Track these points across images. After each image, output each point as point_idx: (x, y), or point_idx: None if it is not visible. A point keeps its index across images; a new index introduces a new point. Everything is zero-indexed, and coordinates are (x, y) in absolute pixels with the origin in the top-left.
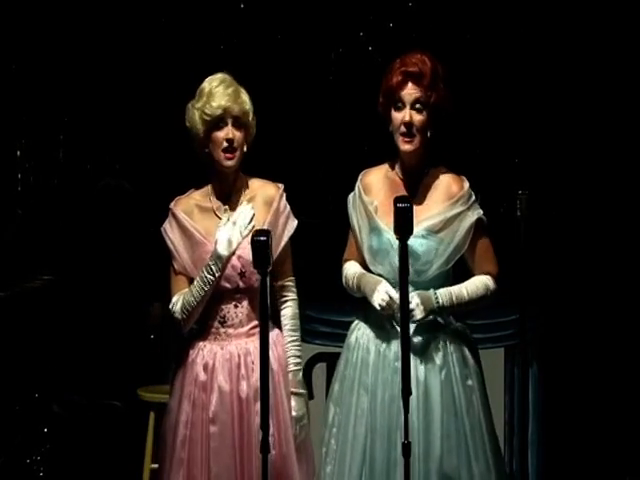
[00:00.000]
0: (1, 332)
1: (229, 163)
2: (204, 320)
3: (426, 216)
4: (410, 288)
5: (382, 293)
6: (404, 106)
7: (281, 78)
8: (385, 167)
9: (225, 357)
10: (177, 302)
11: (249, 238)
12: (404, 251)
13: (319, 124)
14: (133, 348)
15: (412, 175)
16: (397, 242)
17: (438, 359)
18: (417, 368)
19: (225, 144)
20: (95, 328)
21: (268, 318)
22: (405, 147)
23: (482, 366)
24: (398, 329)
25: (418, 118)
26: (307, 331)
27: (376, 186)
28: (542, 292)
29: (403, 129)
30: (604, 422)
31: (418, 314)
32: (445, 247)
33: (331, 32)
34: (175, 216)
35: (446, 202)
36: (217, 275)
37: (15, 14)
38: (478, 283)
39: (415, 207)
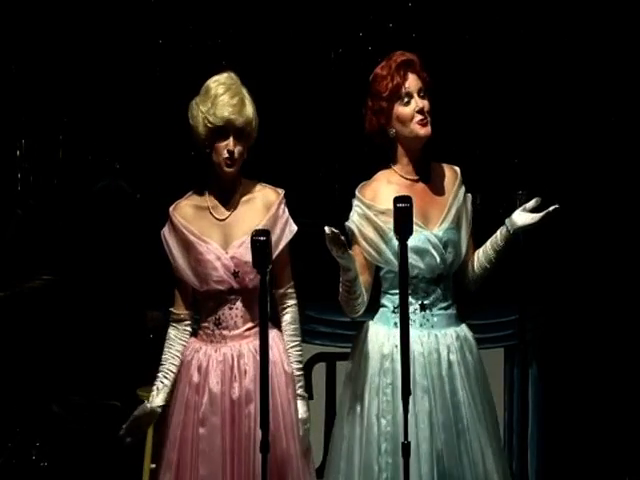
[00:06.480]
0: (1, 332)
1: (229, 171)
2: (200, 322)
3: (448, 207)
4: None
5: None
6: (411, 97)
7: (280, 78)
8: (381, 176)
9: (218, 359)
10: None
11: (241, 239)
12: (404, 251)
13: (319, 125)
14: (132, 348)
15: (418, 171)
16: (435, 237)
17: (465, 349)
18: (448, 353)
19: (226, 154)
20: (95, 328)
21: (267, 318)
22: (423, 131)
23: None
24: (422, 327)
25: (426, 103)
26: (307, 331)
27: (383, 195)
28: (542, 292)
29: (419, 116)
30: (604, 422)
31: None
32: (466, 229)
33: (331, 32)
34: (172, 221)
35: (453, 187)
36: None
37: (15, 14)
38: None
39: (435, 201)
